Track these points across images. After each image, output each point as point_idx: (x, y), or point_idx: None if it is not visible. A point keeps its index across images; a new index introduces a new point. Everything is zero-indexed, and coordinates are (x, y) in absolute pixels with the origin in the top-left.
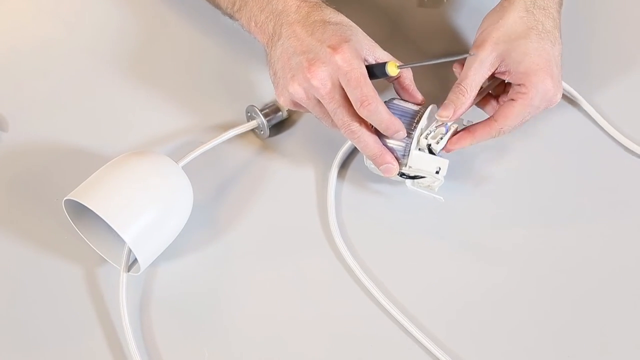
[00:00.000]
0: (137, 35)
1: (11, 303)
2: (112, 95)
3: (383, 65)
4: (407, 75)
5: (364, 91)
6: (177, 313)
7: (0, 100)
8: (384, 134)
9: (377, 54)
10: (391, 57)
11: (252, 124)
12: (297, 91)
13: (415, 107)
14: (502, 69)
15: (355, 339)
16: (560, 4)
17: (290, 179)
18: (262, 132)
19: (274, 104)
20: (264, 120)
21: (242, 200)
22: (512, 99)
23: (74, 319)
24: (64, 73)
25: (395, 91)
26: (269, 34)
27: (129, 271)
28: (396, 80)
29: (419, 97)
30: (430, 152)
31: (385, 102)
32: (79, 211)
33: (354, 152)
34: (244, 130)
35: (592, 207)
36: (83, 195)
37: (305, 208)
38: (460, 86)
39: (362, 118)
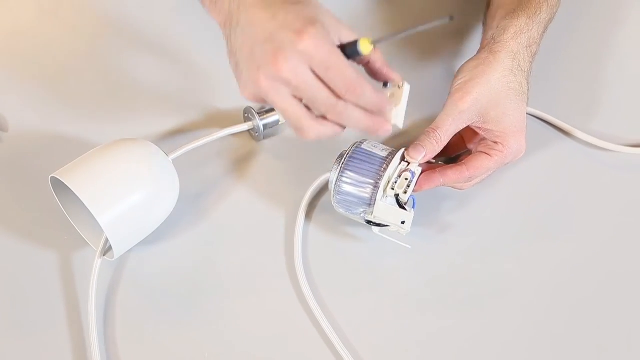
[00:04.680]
0: (135, 34)
1: None
2: (112, 95)
3: (355, 43)
4: (377, 57)
5: (346, 75)
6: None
7: (0, 100)
8: (368, 125)
9: (343, 34)
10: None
11: (247, 125)
12: (264, 85)
13: (384, 153)
14: (480, 125)
15: None
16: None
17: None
18: (256, 134)
19: (271, 108)
20: (260, 123)
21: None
22: (487, 153)
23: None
24: (64, 73)
25: (368, 74)
26: (225, 13)
27: (104, 255)
28: (366, 65)
29: (393, 75)
30: (397, 201)
31: (352, 145)
32: (68, 194)
33: (322, 191)
34: (238, 131)
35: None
36: (66, 174)
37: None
38: (436, 133)
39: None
